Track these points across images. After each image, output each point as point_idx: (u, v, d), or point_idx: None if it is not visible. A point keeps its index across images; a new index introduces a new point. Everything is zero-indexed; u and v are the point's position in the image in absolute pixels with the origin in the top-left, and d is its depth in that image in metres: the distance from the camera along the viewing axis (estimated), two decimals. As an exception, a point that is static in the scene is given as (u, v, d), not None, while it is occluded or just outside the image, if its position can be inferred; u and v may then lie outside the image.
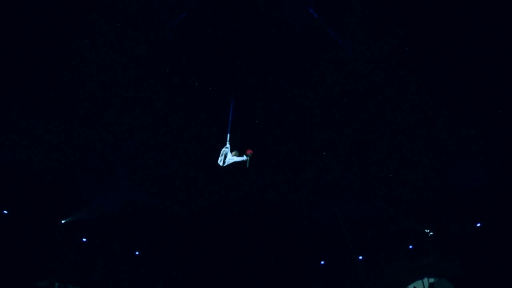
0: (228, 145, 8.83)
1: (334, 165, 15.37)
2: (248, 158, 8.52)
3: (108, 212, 15.68)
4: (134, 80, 12.04)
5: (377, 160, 14.79)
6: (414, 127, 13.29)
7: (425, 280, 16.12)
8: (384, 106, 12.94)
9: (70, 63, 11.09)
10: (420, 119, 13.06)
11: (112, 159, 14.22)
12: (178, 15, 10.78)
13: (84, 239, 15.84)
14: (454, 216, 15.82)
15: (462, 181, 14.67)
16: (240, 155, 8.65)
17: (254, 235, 18.01)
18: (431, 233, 16.45)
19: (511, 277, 12.97)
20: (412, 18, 10.47)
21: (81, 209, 15.39)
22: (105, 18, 10.35)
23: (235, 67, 12.14)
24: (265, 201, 16.90)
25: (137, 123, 13.31)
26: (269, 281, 17.94)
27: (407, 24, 10.65)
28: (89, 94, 11.98)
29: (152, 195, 15.89)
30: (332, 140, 14.45)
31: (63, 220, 15.29)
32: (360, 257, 17.44)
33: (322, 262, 18.41)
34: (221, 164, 8.64)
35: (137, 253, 17.16)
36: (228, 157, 8.64)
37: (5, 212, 13.73)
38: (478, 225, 15.30)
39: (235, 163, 8.62)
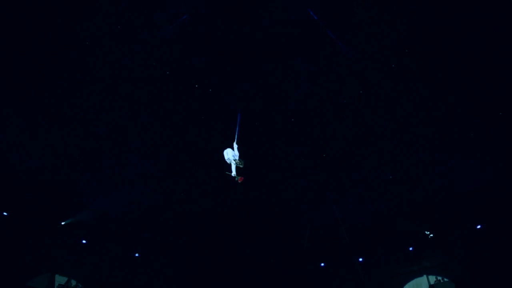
0: (236, 145, 8.99)
1: (334, 167, 15.37)
2: (234, 176, 8.63)
3: (108, 213, 15.61)
4: (134, 81, 12.08)
5: (377, 162, 14.78)
6: (415, 128, 13.30)
7: (424, 277, 16.13)
8: (384, 107, 12.96)
9: (70, 64, 11.12)
10: (420, 120, 13.07)
11: (112, 161, 14.21)
12: (178, 16, 10.82)
13: (84, 241, 15.80)
14: (454, 218, 15.77)
15: (462, 183, 14.63)
16: (238, 169, 8.76)
17: (254, 237, 17.98)
18: (431, 235, 16.40)
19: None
20: (412, 18, 10.51)
21: (81, 211, 15.35)
22: (105, 20, 10.39)
23: (235, 68, 12.18)
24: (265, 203, 16.89)
25: (137, 124, 13.33)
26: (270, 283, 17.90)
27: (407, 25, 10.68)
28: (90, 95, 12.00)
29: (152, 196, 15.85)
30: (332, 141, 14.46)
31: (63, 221, 15.25)
32: (360, 259, 17.42)
33: (322, 264, 18.37)
34: (225, 156, 8.84)
35: (137, 255, 17.10)
36: (233, 154, 8.75)
37: (5, 214, 13.70)
38: (479, 227, 15.27)
39: (230, 166, 8.78)
